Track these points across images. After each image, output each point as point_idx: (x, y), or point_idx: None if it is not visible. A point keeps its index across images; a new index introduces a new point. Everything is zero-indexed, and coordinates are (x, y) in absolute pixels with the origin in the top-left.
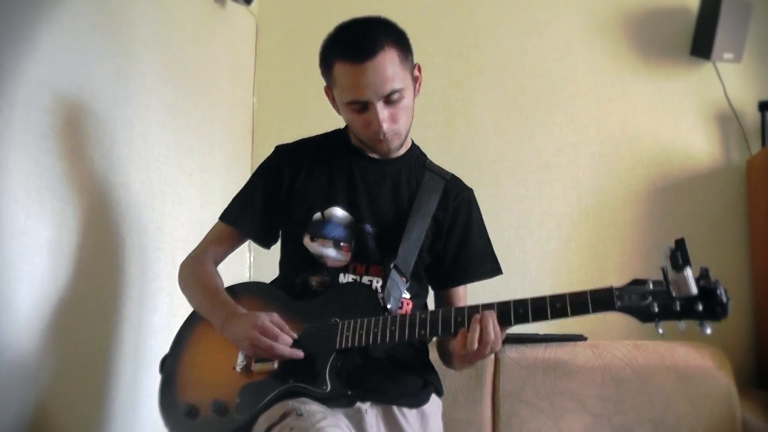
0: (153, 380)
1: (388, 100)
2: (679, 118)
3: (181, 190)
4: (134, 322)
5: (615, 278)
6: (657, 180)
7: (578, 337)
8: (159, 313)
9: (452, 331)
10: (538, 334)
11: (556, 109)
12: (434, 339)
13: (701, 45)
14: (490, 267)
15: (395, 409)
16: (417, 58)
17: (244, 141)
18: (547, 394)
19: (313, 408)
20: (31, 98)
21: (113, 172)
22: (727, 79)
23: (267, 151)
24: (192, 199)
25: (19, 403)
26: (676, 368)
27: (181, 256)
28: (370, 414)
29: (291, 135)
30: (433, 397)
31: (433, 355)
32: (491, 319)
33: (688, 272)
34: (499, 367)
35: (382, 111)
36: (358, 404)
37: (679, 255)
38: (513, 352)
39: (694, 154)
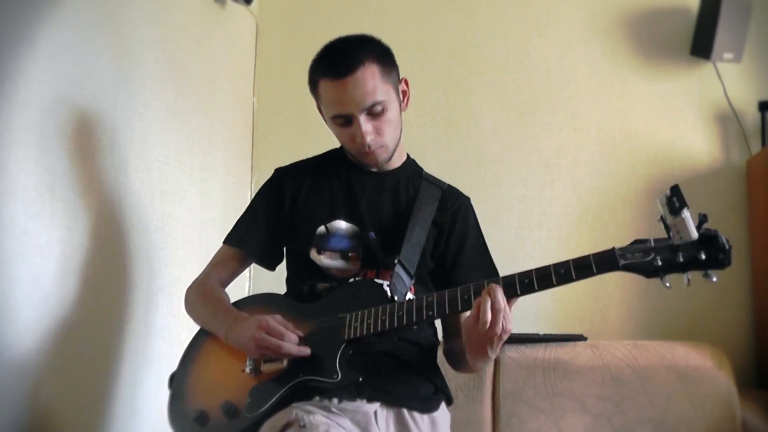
0: (153, 380)
1: (371, 112)
2: (679, 118)
3: (181, 190)
4: (134, 322)
5: (615, 278)
6: (657, 180)
7: (578, 337)
8: (159, 313)
9: (459, 309)
10: (538, 334)
11: (556, 109)
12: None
13: (701, 45)
14: (486, 272)
15: (406, 413)
16: (417, 58)
17: (244, 141)
18: (547, 394)
19: (318, 419)
20: (31, 98)
21: (113, 171)
22: (727, 79)
23: (267, 151)
24: (192, 199)
25: (18, 403)
26: (676, 368)
27: (182, 256)
28: (381, 416)
29: (291, 135)
30: (443, 405)
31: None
32: (497, 288)
33: (686, 214)
34: (499, 367)
35: (365, 124)
36: (366, 407)
37: (675, 200)
38: (513, 352)
39: (694, 154)
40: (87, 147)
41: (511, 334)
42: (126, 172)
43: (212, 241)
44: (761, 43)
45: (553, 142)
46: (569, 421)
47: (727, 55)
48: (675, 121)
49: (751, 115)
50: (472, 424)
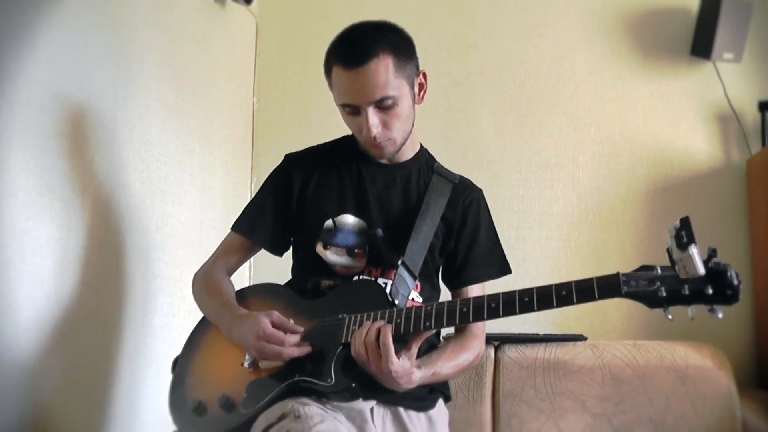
0: (153, 380)
1: (380, 106)
2: (679, 118)
3: (181, 190)
4: (134, 322)
5: None
6: (657, 180)
7: (578, 337)
8: (159, 313)
9: (457, 321)
10: (538, 334)
11: (556, 109)
12: None
13: (701, 45)
14: (499, 267)
15: (402, 411)
16: (417, 58)
17: (244, 141)
18: (547, 394)
19: (313, 410)
20: (31, 98)
21: (113, 172)
22: (727, 79)
23: (267, 151)
24: (192, 199)
25: (18, 403)
26: (676, 368)
27: (182, 256)
28: (377, 415)
29: (291, 135)
30: (440, 403)
31: None
32: (367, 327)
33: (693, 250)
34: (499, 367)
35: (373, 117)
36: (362, 405)
37: (683, 234)
38: (513, 352)
39: (694, 154)
40: (87, 147)
41: (511, 334)
42: (126, 172)
43: (212, 241)
44: (761, 43)
45: (553, 142)
46: (569, 421)
47: (727, 55)
48: (675, 121)
49: (751, 115)
50: (472, 424)
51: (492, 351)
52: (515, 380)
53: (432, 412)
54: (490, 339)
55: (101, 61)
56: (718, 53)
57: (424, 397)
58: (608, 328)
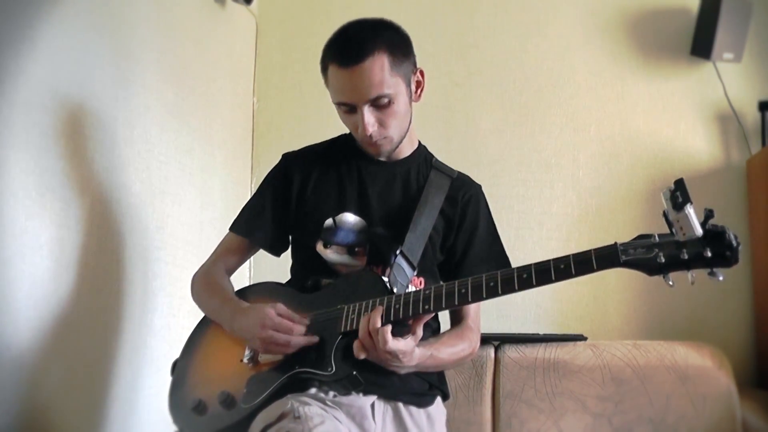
0: (153, 380)
1: (376, 104)
2: (679, 118)
3: (181, 190)
4: (134, 322)
5: (615, 278)
6: (657, 180)
7: (578, 337)
8: (159, 312)
9: (456, 303)
10: (538, 334)
11: (556, 109)
12: None
13: (701, 45)
14: (498, 263)
15: (402, 407)
16: (417, 58)
17: (244, 141)
18: (547, 394)
19: (313, 410)
20: (31, 98)
21: (113, 172)
22: (727, 79)
23: (267, 151)
24: (192, 199)
25: (18, 403)
26: (676, 368)
27: (182, 256)
28: (377, 411)
29: (291, 135)
30: (438, 400)
31: None
32: (370, 316)
33: (689, 210)
34: (499, 367)
35: (369, 115)
36: (362, 400)
37: (678, 194)
38: (513, 352)
39: (694, 154)
40: (87, 147)
41: (511, 334)
42: (126, 172)
43: (212, 241)
44: (761, 43)
45: (553, 142)
46: (569, 421)
47: (727, 55)
48: (675, 121)
49: (751, 115)
50: (472, 424)
51: (492, 351)
52: (515, 380)
53: (431, 409)
54: (490, 339)
55: (101, 61)
56: (718, 53)
57: (423, 392)
58: (608, 328)
